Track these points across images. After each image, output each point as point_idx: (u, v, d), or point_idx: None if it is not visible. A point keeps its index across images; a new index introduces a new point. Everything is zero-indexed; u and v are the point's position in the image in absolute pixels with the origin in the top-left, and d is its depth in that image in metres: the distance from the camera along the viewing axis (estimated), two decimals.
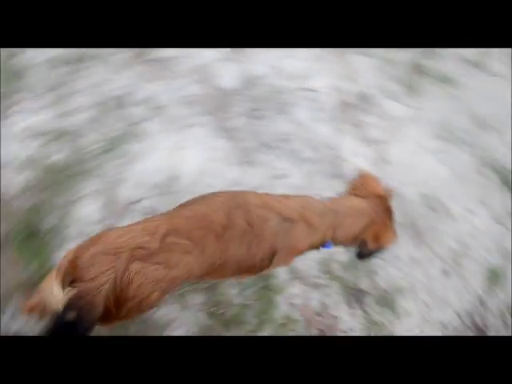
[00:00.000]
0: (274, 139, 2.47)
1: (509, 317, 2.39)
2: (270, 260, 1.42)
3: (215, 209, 1.35)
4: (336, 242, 1.59)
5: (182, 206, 1.43)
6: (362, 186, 1.69)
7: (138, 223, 1.31)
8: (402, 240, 2.28)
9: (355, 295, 2.15)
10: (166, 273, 1.23)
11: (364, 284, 2.19)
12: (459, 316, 2.28)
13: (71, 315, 1.13)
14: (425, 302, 2.24)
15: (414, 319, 2.18)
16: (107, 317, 1.22)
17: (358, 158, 2.52)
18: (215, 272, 1.39)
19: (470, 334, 2.25)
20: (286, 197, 1.52)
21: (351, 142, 2.57)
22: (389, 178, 2.46)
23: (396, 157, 2.61)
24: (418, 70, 3.06)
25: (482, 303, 2.37)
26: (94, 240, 1.24)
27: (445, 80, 3.10)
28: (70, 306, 1.14)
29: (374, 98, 2.78)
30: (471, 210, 2.66)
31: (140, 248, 1.20)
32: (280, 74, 2.68)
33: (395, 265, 2.29)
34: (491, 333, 2.29)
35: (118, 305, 1.20)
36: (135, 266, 1.18)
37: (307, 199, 1.57)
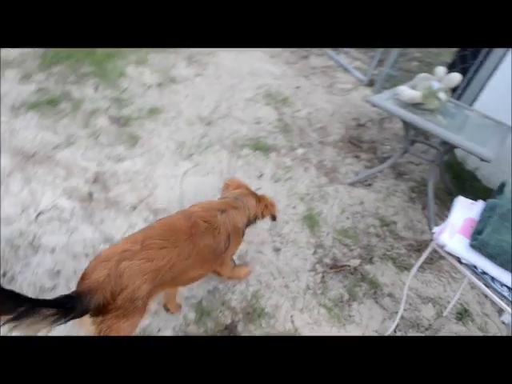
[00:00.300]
0: None
1: (342, 238, 2.61)
2: (228, 242, 1.92)
3: (177, 219, 1.83)
4: (249, 218, 2.09)
5: (149, 225, 1.84)
6: (228, 187, 2.20)
7: (120, 241, 1.69)
8: None
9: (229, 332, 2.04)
10: (149, 265, 1.59)
11: (227, 319, 2.10)
12: (314, 266, 2.40)
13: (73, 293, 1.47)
14: (283, 284, 2.26)
15: (285, 307, 2.16)
16: (106, 307, 1.51)
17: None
18: (196, 262, 1.79)
19: (329, 272, 2.37)
20: (209, 201, 2.05)
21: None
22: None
23: (162, 201, 2.58)
24: (122, 122, 3.11)
25: (320, 246, 2.53)
26: (93, 260, 1.60)
27: (150, 112, 3.25)
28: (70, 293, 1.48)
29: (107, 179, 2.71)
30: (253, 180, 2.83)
31: (126, 251, 1.57)
32: None
33: None
34: (345, 262, 2.46)
35: (114, 294, 1.50)
36: (124, 263, 1.54)
37: (222, 198, 2.12)
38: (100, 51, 3.77)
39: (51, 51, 3.56)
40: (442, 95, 2.59)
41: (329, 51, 5.05)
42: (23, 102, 2.95)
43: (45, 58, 3.47)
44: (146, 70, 3.77)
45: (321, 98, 4.09)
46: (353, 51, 5.24)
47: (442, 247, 1.70)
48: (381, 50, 4.31)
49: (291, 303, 2.18)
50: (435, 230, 1.80)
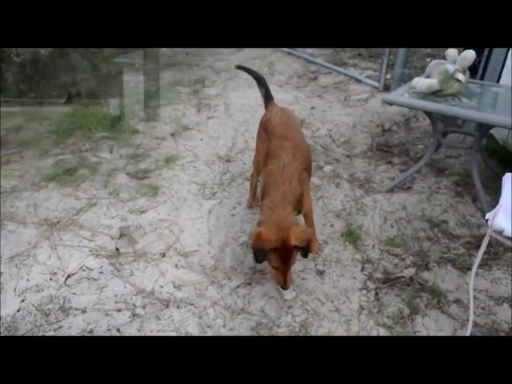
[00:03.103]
0: None
1: (390, 248, 2.49)
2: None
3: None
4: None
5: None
6: None
7: None
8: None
9: None
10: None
11: None
12: (364, 283, 2.28)
13: None
14: (332, 308, 2.14)
15: (339, 333, 2.03)
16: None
17: None
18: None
19: (383, 288, 2.24)
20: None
21: None
22: None
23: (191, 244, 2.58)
24: (140, 176, 3.19)
25: (368, 261, 2.43)
26: None
27: (167, 161, 3.32)
28: None
29: None
30: None
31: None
32: None
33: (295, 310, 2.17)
34: (398, 274, 2.34)
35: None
36: None
37: None
38: (110, 116, 3.96)
39: (64, 125, 3.77)
40: (460, 76, 2.52)
41: (335, 67, 5.10)
42: (43, 176, 3.10)
43: (58, 133, 3.66)
44: (157, 124, 3.92)
45: (338, 113, 4.09)
46: (361, 62, 5.28)
47: (499, 233, 1.59)
48: (387, 53, 4.31)
49: (345, 328, 2.05)
50: (488, 215, 1.69)
